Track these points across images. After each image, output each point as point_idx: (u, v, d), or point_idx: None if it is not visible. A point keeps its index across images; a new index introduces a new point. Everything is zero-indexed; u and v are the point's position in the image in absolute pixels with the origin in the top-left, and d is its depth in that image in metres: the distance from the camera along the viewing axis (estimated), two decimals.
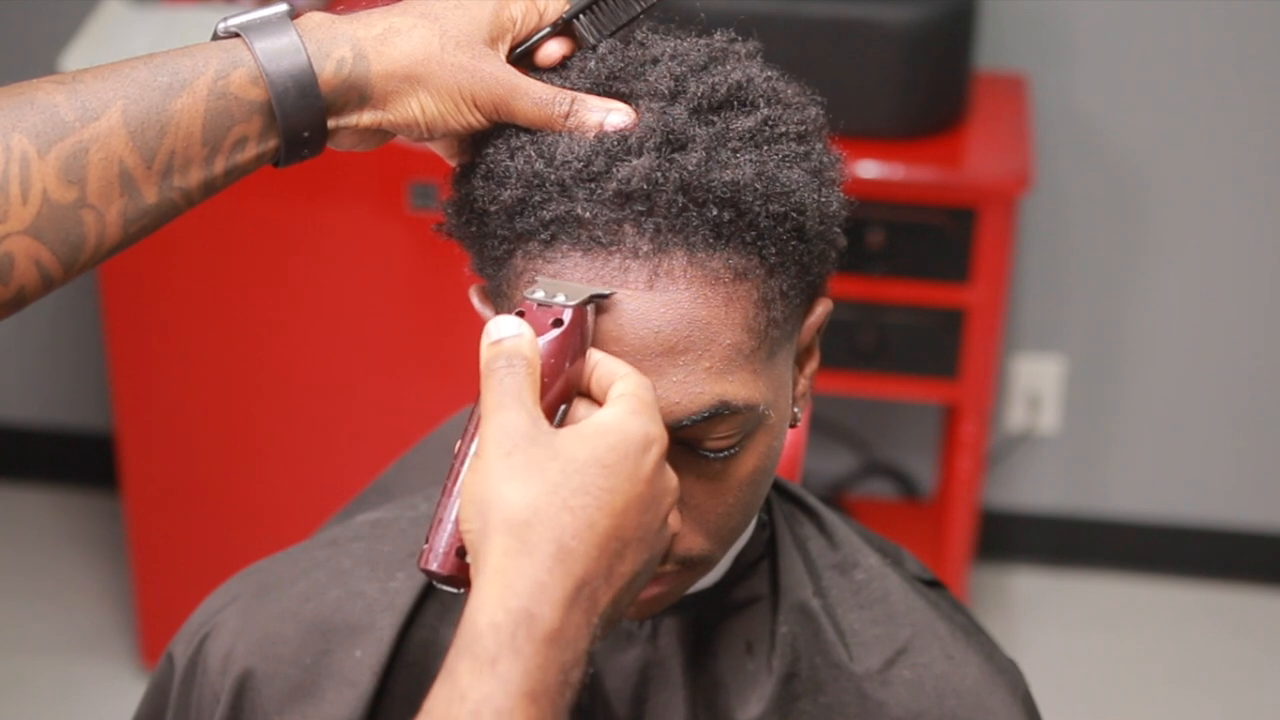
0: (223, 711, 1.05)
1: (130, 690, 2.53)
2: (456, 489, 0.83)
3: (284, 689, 1.04)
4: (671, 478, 0.85)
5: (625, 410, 0.83)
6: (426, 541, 0.84)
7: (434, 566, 0.84)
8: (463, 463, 0.84)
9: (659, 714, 1.04)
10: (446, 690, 0.77)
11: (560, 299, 0.86)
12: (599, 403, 0.86)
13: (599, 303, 0.88)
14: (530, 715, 0.77)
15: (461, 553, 0.83)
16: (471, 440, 0.84)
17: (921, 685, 1.06)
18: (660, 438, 0.84)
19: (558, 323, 0.85)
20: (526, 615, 0.77)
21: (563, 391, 0.85)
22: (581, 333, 0.86)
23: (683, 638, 1.04)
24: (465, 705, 0.76)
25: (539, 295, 0.87)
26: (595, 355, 0.87)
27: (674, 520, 0.92)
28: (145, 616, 2.56)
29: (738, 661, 1.05)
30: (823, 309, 0.98)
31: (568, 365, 0.85)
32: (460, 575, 0.83)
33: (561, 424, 0.85)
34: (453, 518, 0.83)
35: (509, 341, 0.84)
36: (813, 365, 1.00)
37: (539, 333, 0.85)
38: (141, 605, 2.56)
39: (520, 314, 0.86)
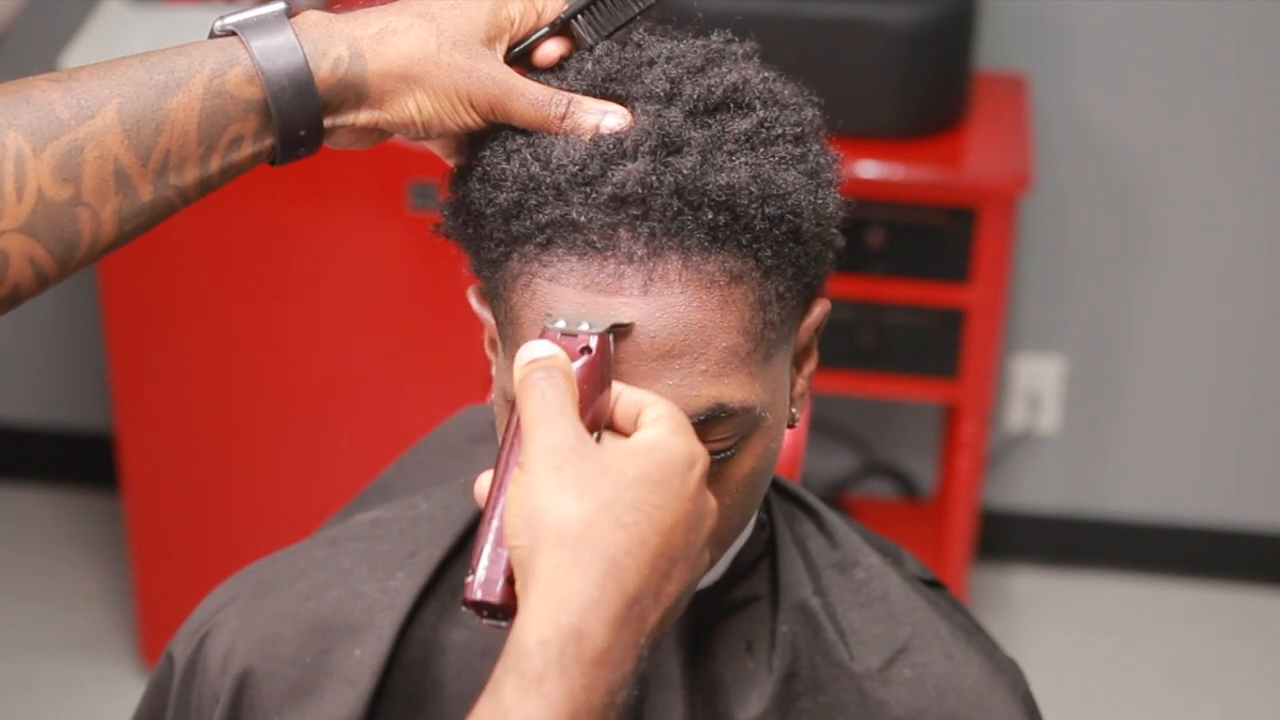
0: (222, 711, 1.05)
1: (130, 690, 2.53)
2: (498, 513, 0.81)
3: (284, 688, 1.04)
4: (711, 499, 0.84)
5: (668, 430, 0.83)
6: (470, 573, 0.81)
7: (481, 596, 0.80)
8: (502, 484, 0.82)
9: (658, 714, 1.04)
10: (490, 706, 0.77)
11: (584, 327, 0.86)
12: (624, 433, 0.85)
13: (618, 332, 0.87)
14: None
15: (511, 581, 0.80)
16: (510, 456, 0.82)
17: (922, 684, 1.06)
18: (703, 456, 0.83)
19: (585, 350, 0.85)
20: (576, 633, 0.76)
21: (594, 421, 0.84)
22: (606, 361, 0.86)
23: (682, 637, 1.04)
24: None
25: (561, 325, 0.86)
26: (618, 387, 0.86)
27: None
28: (145, 616, 2.56)
29: (737, 661, 1.05)
30: (820, 310, 0.98)
31: (598, 392, 0.84)
32: (512, 605, 0.80)
33: None
34: (493, 545, 0.81)
35: (544, 360, 0.83)
36: (811, 366, 1.00)
37: (570, 360, 0.84)
38: (141, 605, 2.56)
39: None
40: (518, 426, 0.83)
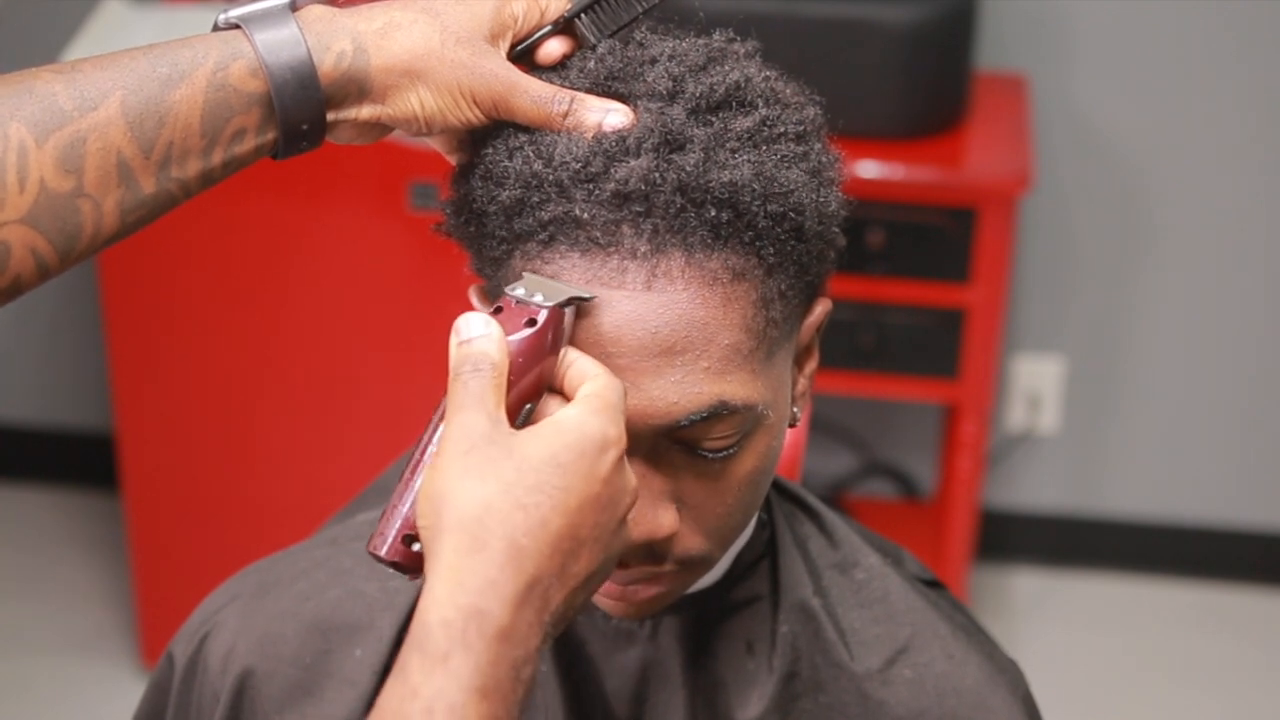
0: (223, 711, 1.05)
1: (130, 690, 2.53)
2: (415, 481, 0.84)
3: (284, 688, 1.04)
4: (631, 479, 0.85)
5: (586, 410, 0.83)
6: (378, 526, 0.85)
7: (381, 552, 0.84)
8: (422, 455, 0.85)
9: (659, 714, 1.04)
10: (399, 687, 0.77)
11: (538, 298, 0.86)
12: (569, 400, 0.85)
13: (581, 305, 0.88)
14: (482, 711, 0.77)
15: (408, 540, 0.83)
16: (432, 436, 0.85)
17: (922, 684, 1.06)
18: (619, 440, 0.83)
19: (531, 322, 0.85)
20: (477, 612, 0.77)
21: (530, 390, 0.85)
22: (555, 333, 0.86)
23: (683, 637, 1.04)
24: (418, 702, 0.76)
25: (519, 293, 0.87)
26: (572, 354, 0.87)
27: (671, 519, 0.92)
28: (145, 616, 2.56)
29: (738, 661, 1.05)
30: (822, 309, 0.98)
31: (537, 365, 0.85)
32: (405, 563, 0.84)
33: (527, 421, 0.85)
34: (405, 507, 0.84)
35: (477, 342, 0.84)
36: (812, 365, 1.00)
37: (511, 330, 0.85)
38: (141, 605, 2.56)
39: (498, 309, 0.86)
40: (442, 411, 0.84)
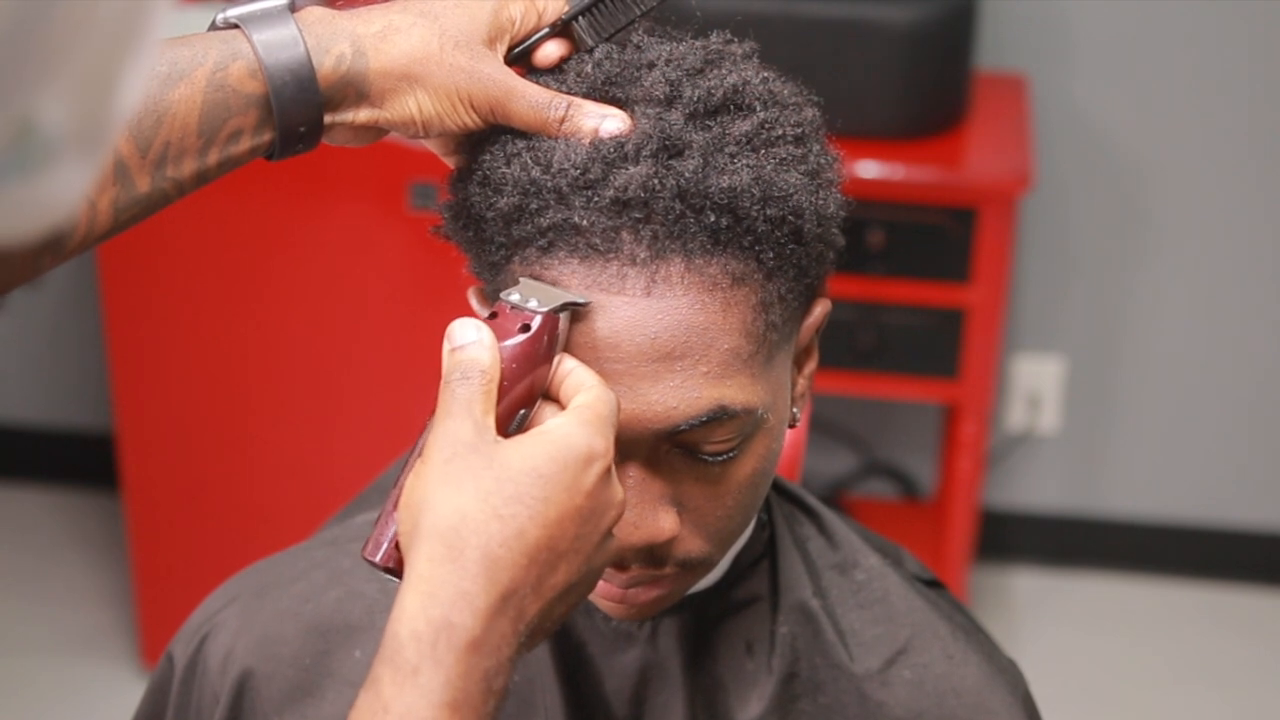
0: (222, 711, 1.05)
1: (130, 690, 2.53)
2: (402, 490, 0.84)
3: (284, 689, 1.04)
4: (617, 491, 0.84)
5: (574, 421, 0.82)
6: (373, 531, 0.85)
7: (375, 558, 0.84)
8: (409, 467, 0.84)
9: (658, 714, 1.04)
10: (370, 700, 0.77)
11: (533, 304, 0.86)
12: (564, 408, 0.85)
13: (576, 311, 0.87)
14: None
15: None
16: (421, 441, 0.85)
17: (921, 685, 1.06)
18: (606, 452, 0.83)
19: (525, 328, 0.85)
20: (447, 624, 0.77)
21: (522, 397, 0.85)
22: (549, 340, 0.86)
23: (682, 638, 1.04)
24: (388, 717, 0.76)
25: (514, 298, 0.87)
26: (569, 363, 0.86)
27: (672, 523, 0.92)
28: (145, 616, 2.56)
29: (737, 662, 1.05)
30: (821, 310, 0.98)
31: (530, 371, 0.85)
32: (399, 568, 0.83)
33: (521, 428, 0.85)
34: (397, 513, 0.84)
35: (468, 349, 0.84)
36: (811, 365, 1.00)
37: (504, 336, 0.85)
38: (141, 605, 2.56)
39: (493, 315, 0.86)
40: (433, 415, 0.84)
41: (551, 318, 0.86)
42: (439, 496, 0.79)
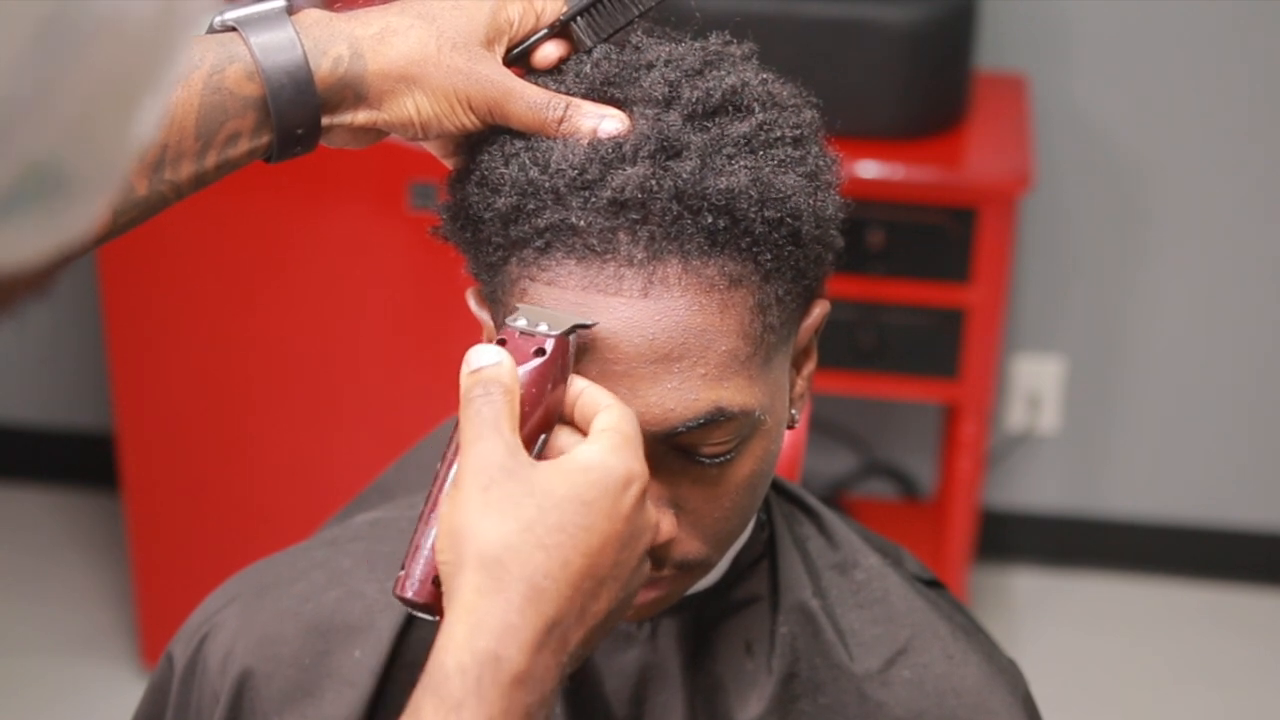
0: (222, 711, 1.05)
1: (130, 690, 2.52)
2: (434, 516, 0.83)
3: (283, 689, 1.04)
4: (651, 515, 0.84)
5: (607, 446, 0.82)
6: (403, 568, 0.83)
7: (410, 594, 0.83)
8: (440, 489, 0.83)
9: (658, 715, 1.04)
10: None
11: (543, 328, 0.85)
12: (582, 431, 0.85)
13: (581, 332, 0.87)
14: None
15: (438, 581, 0.82)
16: (449, 467, 0.84)
17: (921, 685, 1.06)
18: (642, 475, 0.83)
19: (539, 352, 0.85)
20: (493, 658, 0.77)
21: (542, 421, 0.84)
22: (563, 362, 0.86)
23: (682, 638, 1.04)
24: None
25: (521, 324, 0.86)
26: (579, 383, 0.86)
27: (669, 524, 0.92)
28: (145, 616, 2.56)
29: (737, 662, 1.05)
30: (820, 310, 0.98)
31: (548, 395, 0.85)
32: (435, 604, 0.82)
33: (541, 454, 0.84)
34: (429, 546, 0.82)
35: (488, 370, 0.83)
36: (810, 366, 1.00)
37: (520, 361, 0.84)
38: (141, 605, 2.56)
39: (502, 342, 0.85)
40: (458, 441, 0.83)
41: (563, 340, 0.85)
42: (482, 527, 0.79)
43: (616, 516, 0.81)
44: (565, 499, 0.80)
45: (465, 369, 0.84)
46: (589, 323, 0.87)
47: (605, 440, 0.82)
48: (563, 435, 0.85)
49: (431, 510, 0.83)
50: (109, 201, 0.78)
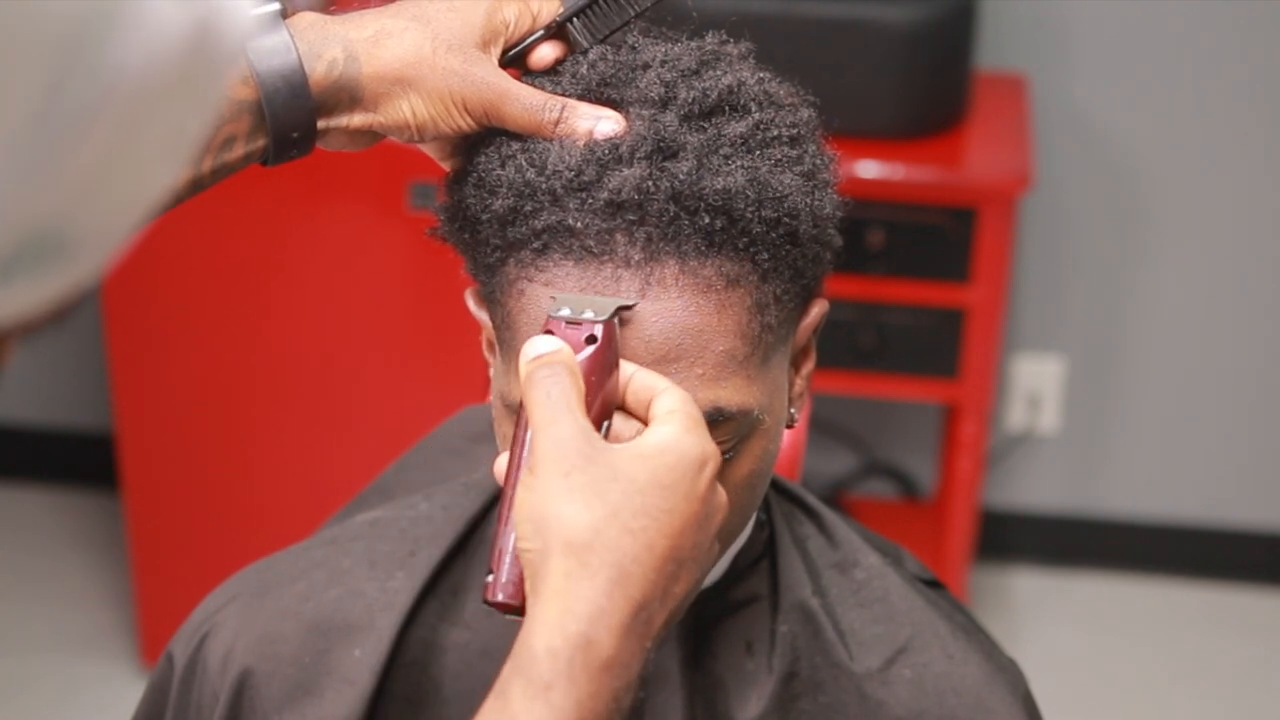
0: (222, 711, 1.05)
1: (130, 690, 2.52)
2: (513, 516, 0.82)
3: (283, 688, 1.04)
4: (722, 494, 0.85)
5: (680, 429, 0.83)
6: (490, 572, 0.83)
7: (502, 598, 0.82)
8: (514, 486, 0.83)
9: (658, 714, 1.04)
10: (498, 708, 0.77)
11: (589, 315, 0.85)
12: (637, 417, 0.85)
13: (622, 314, 0.87)
14: None
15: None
16: (521, 456, 0.83)
17: (922, 685, 1.06)
18: (714, 454, 0.84)
19: (591, 339, 0.85)
20: (584, 641, 0.77)
21: (603, 409, 0.84)
22: (613, 347, 0.86)
23: (681, 638, 1.04)
24: None
25: (565, 313, 0.86)
26: (629, 368, 0.86)
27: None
28: (145, 616, 2.56)
29: (737, 661, 1.05)
30: (818, 310, 0.98)
31: (606, 381, 0.85)
32: (524, 606, 0.82)
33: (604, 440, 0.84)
34: (513, 547, 0.82)
35: (549, 355, 0.83)
36: (809, 366, 1.00)
37: (574, 351, 0.84)
38: (141, 605, 2.56)
39: (549, 333, 0.85)
40: (527, 426, 0.83)
41: (611, 325, 0.86)
42: (566, 512, 0.79)
43: (694, 497, 0.82)
44: (648, 484, 0.80)
45: (523, 359, 0.84)
46: (630, 302, 0.87)
47: (676, 422, 0.83)
48: (618, 421, 0.86)
49: (509, 509, 0.83)
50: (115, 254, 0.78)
